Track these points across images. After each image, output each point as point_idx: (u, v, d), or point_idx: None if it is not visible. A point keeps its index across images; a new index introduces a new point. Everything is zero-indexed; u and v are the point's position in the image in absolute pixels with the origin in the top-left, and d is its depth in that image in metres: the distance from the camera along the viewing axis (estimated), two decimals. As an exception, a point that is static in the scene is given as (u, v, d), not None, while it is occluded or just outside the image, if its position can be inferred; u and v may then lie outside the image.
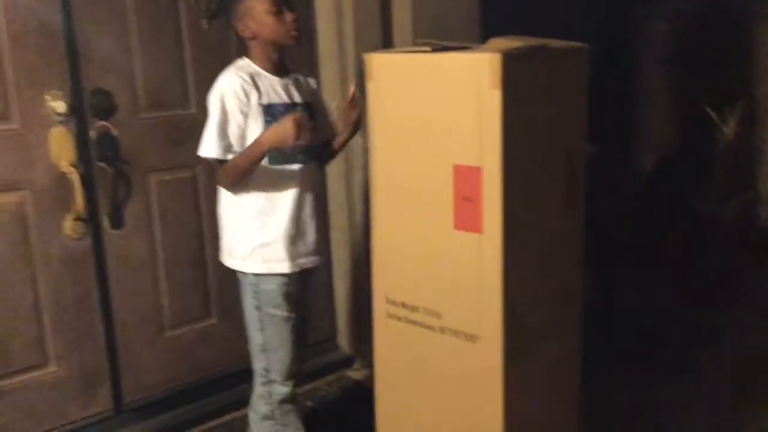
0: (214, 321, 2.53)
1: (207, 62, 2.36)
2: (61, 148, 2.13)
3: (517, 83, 1.65)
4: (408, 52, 1.88)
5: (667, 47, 3.66)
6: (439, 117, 1.75)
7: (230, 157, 1.90)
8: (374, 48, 2.46)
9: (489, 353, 1.75)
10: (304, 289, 2.10)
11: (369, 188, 1.96)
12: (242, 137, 1.92)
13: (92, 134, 2.19)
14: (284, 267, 1.99)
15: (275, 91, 1.97)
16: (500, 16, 2.60)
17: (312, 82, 2.12)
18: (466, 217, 1.73)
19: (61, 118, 2.12)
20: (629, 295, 3.10)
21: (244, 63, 1.97)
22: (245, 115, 1.92)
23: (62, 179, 2.13)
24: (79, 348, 2.24)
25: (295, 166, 1.97)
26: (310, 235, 2.04)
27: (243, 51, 1.99)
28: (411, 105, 1.80)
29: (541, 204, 1.84)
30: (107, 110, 2.21)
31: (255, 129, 1.92)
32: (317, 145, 2.05)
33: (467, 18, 2.69)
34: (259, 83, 1.94)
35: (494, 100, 1.63)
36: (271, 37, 1.94)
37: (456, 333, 1.81)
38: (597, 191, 2.23)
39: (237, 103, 1.90)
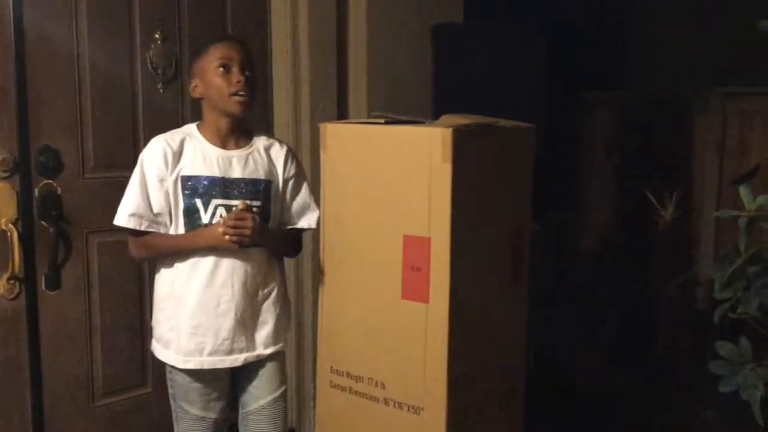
0: (149, 390, 2.44)
1: (160, 126, 2.33)
2: (2, 205, 2.08)
3: (466, 158, 1.70)
4: (362, 123, 1.93)
5: (610, 134, 3.83)
6: (390, 187, 1.78)
7: (144, 227, 1.77)
8: (329, 119, 2.50)
9: (433, 425, 1.73)
10: (252, 390, 1.89)
11: (318, 260, 1.95)
12: (160, 207, 1.78)
13: (36, 192, 2.15)
14: (186, 362, 1.80)
15: (205, 162, 1.79)
16: (452, 95, 2.70)
17: (281, 153, 1.90)
18: (414, 286, 1.74)
19: (5, 175, 2.07)
20: (570, 370, 3.13)
21: (187, 127, 1.86)
22: (163, 183, 1.77)
23: (1, 237, 2.07)
24: (5, 414, 2.12)
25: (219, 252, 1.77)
26: (231, 329, 1.80)
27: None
28: (363, 175, 1.83)
29: (488, 277, 1.87)
30: (54, 168, 2.18)
31: (177, 199, 1.78)
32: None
33: (420, 95, 2.77)
34: (188, 150, 1.79)
35: (444, 172, 1.67)
36: (214, 100, 1.79)
37: (400, 405, 1.79)
38: (540, 269, 2.27)
39: (155, 169, 1.77)
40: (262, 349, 1.87)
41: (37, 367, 2.19)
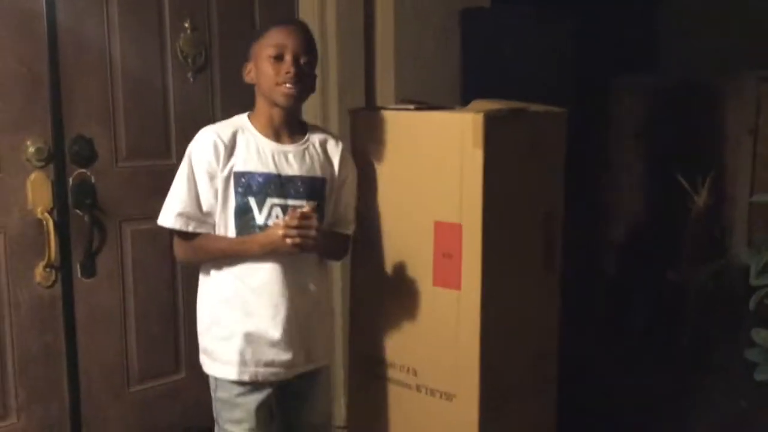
0: (182, 376, 2.47)
1: (190, 115, 2.37)
2: (38, 194, 2.11)
3: (498, 143, 1.69)
4: (391, 110, 1.92)
5: (640, 119, 3.78)
6: (421, 174, 1.77)
7: (191, 228, 1.65)
8: (357, 106, 2.49)
9: (465, 411, 1.73)
10: (300, 407, 1.77)
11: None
12: (210, 206, 1.66)
13: (70, 181, 2.18)
14: (232, 372, 1.67)
15: (260, 158, 1.67)
16: (480, 81, 2.68)
17: (336, 150, 1.78)
18: (446, 273, 1.74)
19: (40, 164, 2.10)
20: (601, 361, 3.11)
21: (237, 119, 1.73)
22: (214, 180, 1.65)
23: (37, 225, 2.10)
24: (42, 400, 2.16)
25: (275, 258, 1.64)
26: (288, 340, 1.67)
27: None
28: (393, 161, 1.83)
29: (519, 264, 1.86)
30: (87, 158, 2.20)
31: (228, 197, 1.65)
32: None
33: (448, 81, 2.76)
34: (240, 144, 1.67)
35: (476, 158, 1.67)
36: (263, 87, 1.67)
37: (432, 391, 1.79)
38: (571, 256, 2.26)
39: (205, 165, 1.65)
40: (314, 363, 1.76)
41: (73, 353, 2.22)
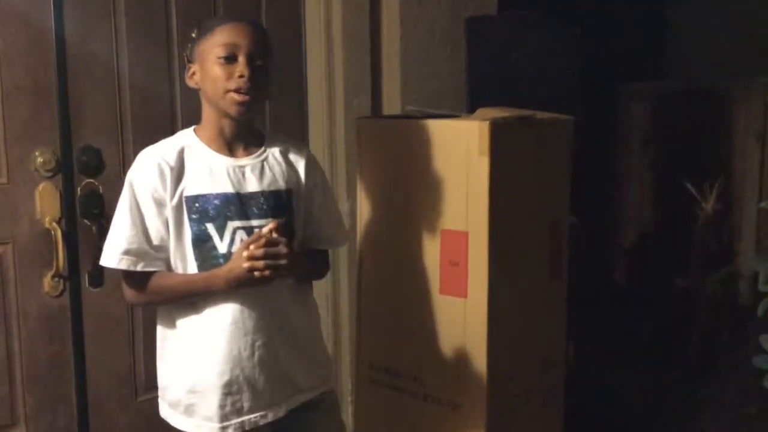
0: (190, 385, 2.47)
1: (198, 124, 2.38)
2: (46, 204, 2.12)
3: (504, 151, 1.69)
4: (397, 118, 1.93)
5: (647, 126, 3.77)
6: (427, 182, 1.77)
7: (141, 267, 1.44)
8: (364, 114, 2.50)
9: (472, 421, 1.72)
10: None
11: (354, 256, 1.95)
12: (161, 239, 1.45)
13: (78, 191, 2.19)
14: (224, 428, 1.46)
15: (213, 177, 1.46)
16: (486, 88, 2.68)
17: (300, 157, 1.59)
18: (452, 281, 1.74)
19: (48, 175, 2.11)
20: (609, 368, 3.10)
21: (182, 135, 1.53)
22: (162, 209, 1.44)
23: (45, 235, 2.11)
24: (51, 409, 2.17)
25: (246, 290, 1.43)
26: (271, 378, 1.49)
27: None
28: (399, 169, 1.83)
29: (526, 272, 1.85)
30: (95, 168, 2.21)
31: (182, 227, 1.45)
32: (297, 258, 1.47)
33: (455, 88, 2.76)
34: (189, 164, 1.46)
35: (482, 166, 1.67)
36: (209, 93, 1.46)
37: (439, 400, 1.79)
38: (578, 263, 2.25)
39: (150, 192, 1.44)
40: (310, 392, 1.58)
41: (81, 362, 2.23)
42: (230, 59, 1.43)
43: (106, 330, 2.27)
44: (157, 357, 1.58)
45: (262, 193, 1.47)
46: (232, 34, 1.45)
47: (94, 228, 2.19)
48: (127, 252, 1.44)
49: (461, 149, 1.70)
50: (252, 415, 1.47)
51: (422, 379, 1.81)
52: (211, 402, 1.45)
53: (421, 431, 1.82)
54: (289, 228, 1.50)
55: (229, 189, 1.45)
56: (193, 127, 1.55)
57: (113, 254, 1.45)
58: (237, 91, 1.43)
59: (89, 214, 2.20)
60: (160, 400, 1.56)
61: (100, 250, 2.18)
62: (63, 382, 2.20)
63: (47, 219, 2.11)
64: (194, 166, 1.46)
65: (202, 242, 1.46)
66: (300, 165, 1.56)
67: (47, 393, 2.16)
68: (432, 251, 1.76)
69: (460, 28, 2.81)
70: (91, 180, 2.21)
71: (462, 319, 1.73)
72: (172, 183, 1.44)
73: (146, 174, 1.45)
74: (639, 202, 3.80)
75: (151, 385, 2.37)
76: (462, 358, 1.74)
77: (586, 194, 2.47)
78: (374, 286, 1.91)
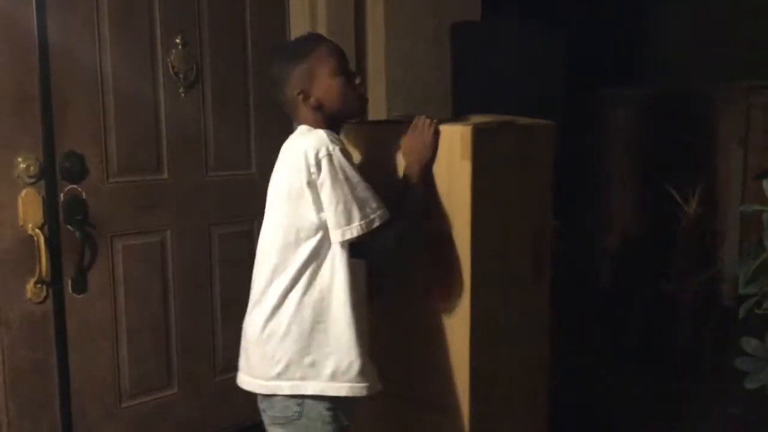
0: (175, 391, 2.46)
1: (182, 130, 2.38)
2: (29, 210, 2.11)
3: (486, 155, 1.70)
4: (383, 123, 1.93)
5: (630, 130, 3.80)
6: (410, 187, 1.78)
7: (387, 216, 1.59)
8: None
9: (456, 423, 1.73)
10: None
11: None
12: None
13: (61, 197, 2.18)
14: (376, 386, 1.67)
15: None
16: (471, 94, 2.69)
17: None
18: (435, 285, 1.74)
19: (31, 181, 2.11)
20: (594, 370, 3.11)
21: (329, 134, 1.62)
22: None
23: (28, 241, 2.10)
24: (33, 416, 2.16)
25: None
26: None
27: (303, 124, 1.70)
28: (384, 175, 1.83)
29: (509, 275, 1.86)
30: (78, 174, 2.20)
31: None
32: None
33: (440, 94, 2.77)
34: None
35: (464, 171, 1.68)
36: (338, 105, 1.67)
37: (423, 404, 1.79)
38: (563, 267, 2.26)
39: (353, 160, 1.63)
40: None
41: (64, 369, 2.22)
42: (346, 73, 1.70)
43: (90, 336, 2.26)
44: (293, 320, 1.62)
45: None
46: (335, 49, 1.70)
47: (77, 234, 2.19)
48: (376, 209, 1.58)
49: (444, 154, 1.71)
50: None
51: (406, 382, 1.82)
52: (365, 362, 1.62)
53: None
54: None
55: None
56: (316, 130, 1.64)
57: (360, 221, 1.55)
58: (362, 94, 1.74)
59: (72, 219, 2.19)
60: (285, 380, 1.61)
61: (83, 256, 2.21)
62: (46, 389, 2.18)
63: (30, 225, 2.10)
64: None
65: None
66: None
67: (30, 400, 2.15)
68: (416, 255, 1.77)
69: (445, 34, 2.82)
70: (74, 186, 2.20)
71: (445, 322, 1.74)
72: None
73: (343, 148, 1.59)
74: (622, 206, 3.83)
75: (136, 391, 2.37)
76: (446, 361, 1.74)
77: (570, 198, 2.49)
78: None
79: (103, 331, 2.29)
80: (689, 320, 3.19)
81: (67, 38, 2.16)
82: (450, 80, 2.80)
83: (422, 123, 1.70)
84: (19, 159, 2.08)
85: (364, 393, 1.61)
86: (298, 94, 1.64)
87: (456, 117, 1.95)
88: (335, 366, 1.59)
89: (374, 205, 1.57)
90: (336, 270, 1.59)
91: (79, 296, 2.23)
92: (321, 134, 1.59)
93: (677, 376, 3.09)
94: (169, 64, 2.37)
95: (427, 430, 1.79)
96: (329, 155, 1.54)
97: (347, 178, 1.54)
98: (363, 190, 1.56)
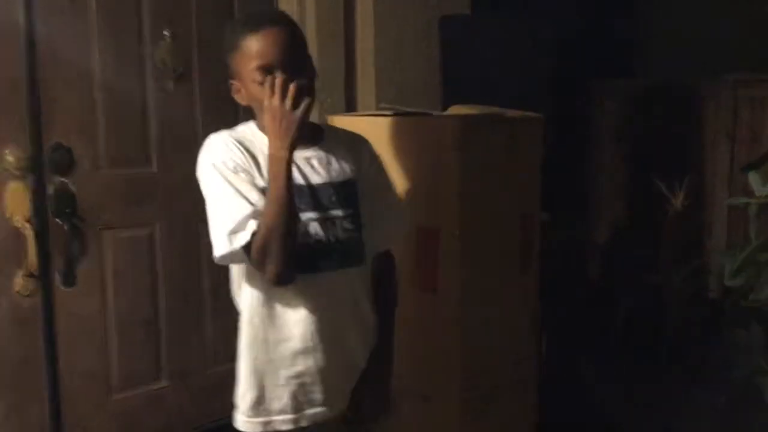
0: (165, 384, 2.46)
1: (171, 123, 2.37)
2: (16, 203, 2.10)
3: (475, 148, 1.71)
4: (370, 116, 1.94)
5: (618, 123, 3.82)
6: (400, 179, 1.78)
7: (250, 229, 1.34)
8: (337, 112, 2.51)
9: (444, 413, 1.74)
10: None
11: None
12: (256, 199, 1.37)
13: (50, 190, 2.17)
14: (287, 423, 1.45)
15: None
16: (460, 87, 2.70)
17: (359, 150, 1.54)
18: (424, 275, 1.75)
19: (19, 173, 2.10)
20: (582, 362, 3.14)
21: (245, 128, 1.48)
22: (251, 177, 1.39)
23: (16, 235, 2.09)
24: (23, 409, 2.15)
25: (315, 275, 1.41)
26: (337, 374, 1.48)
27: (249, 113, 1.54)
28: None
29: (497, 266, 1.87)
30: (66, 166, 2.20)
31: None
32: (353, 240, 1.45)
33: (428, 87, 2.78)
34: (259, 157, 1.41)
35: (453, 163, 1.68)
36: (263, 108, 1.38)
37: (412, 393, 1.80)
38: (551, 259, 2.28)
39: (236, 160, 1.40)
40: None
41: (53, 362, 2.21)
42: (268, 73, 1.40)
43: (79, 329, 2.26)
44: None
45: (331, 183, 1.44)
46: (264, 45, 1.42)
47: (65, 227, 2.18)
48: (233, 231, 1.36)
49: (433, 147, 1.72)
50: (320, 409, 1.47)
51: (395, 371, 1.82)
52: (284, 396, 1.45)
53: (393, 424, 1.84)
54: (356, 219, 1.46)
55: (299, 181, 1.41)
56: (249, 122, 1.51)
57: (219, 243, 1.38)
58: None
59: (61, 212, 2.18)
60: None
61: (71, 249, 2.20)
62: (35, 382, 2.18)
63: (18, 218, 2.09)
64: (263, 158, 1.40)
65: None
66: (350, 161, 1.50)
67: (19, 393, 2.15)
68: (408, 247, 1.77)
69: (434, 26, 2.82)
70: (63, 178, 2.19)
71: (434, 313, 1.75)
72: (254, 167, 1.40)
73: (227, 149, 1.41)
74: (611, 198, 3.84)
75: (125, 384, 2.37)
76: (434, 352, 1.75)
77: (558, 190, 2.50)
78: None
79: (92, 325, 2.28)
80: (676, 312, 3.21)
81: (54, 30, 2.14)
82: (439, 73, 2.81)
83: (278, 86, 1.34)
84: (6, 152, 2.07)
85: (258, 430, 1.45)
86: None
87: (446, 109, 1.95)
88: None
89: (216, 236, 1.39)
90: (243, 295, 1.48)
91: (68, 289, 2.23)
92: (217, 135, 1.48)
93: (665, 367, 3.11)
94: (158, 57, 2.36)
95: (414, 419, 1.80)
96: (201, 165, 1.47)
97: (208, 195, 1.43)
98: (218, 211, 1.40)
